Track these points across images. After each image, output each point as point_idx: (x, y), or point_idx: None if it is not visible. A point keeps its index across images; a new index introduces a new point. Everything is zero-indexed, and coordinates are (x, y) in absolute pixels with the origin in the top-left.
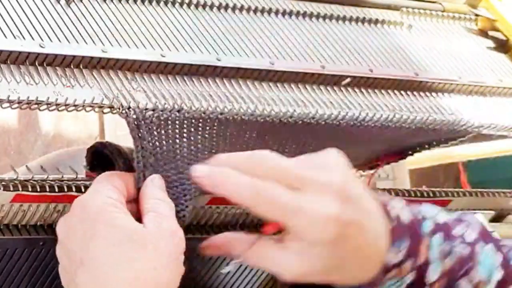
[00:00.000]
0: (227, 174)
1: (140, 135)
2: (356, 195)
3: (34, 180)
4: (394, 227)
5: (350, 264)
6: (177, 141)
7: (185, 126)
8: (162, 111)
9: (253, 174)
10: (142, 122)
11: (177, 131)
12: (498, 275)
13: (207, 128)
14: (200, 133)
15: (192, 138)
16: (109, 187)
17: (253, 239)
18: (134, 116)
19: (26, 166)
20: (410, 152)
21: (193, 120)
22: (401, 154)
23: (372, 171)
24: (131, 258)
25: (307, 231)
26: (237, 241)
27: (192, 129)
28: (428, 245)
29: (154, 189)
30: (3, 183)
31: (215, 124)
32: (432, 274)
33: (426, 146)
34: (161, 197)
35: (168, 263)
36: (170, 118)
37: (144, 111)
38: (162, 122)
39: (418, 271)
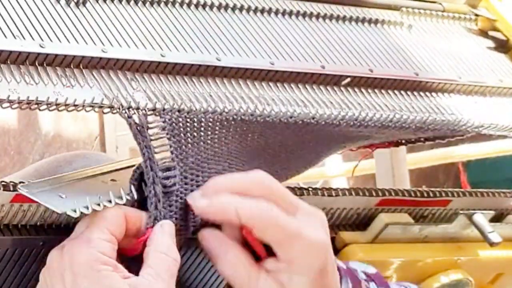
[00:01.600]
0: (227, 202)
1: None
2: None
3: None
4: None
5: None
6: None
7: (188, 128)
8: (163, 110)
9: (251, 196)
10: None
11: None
12: None
13: (210, 129)
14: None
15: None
16: (102, 236)
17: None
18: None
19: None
20: (403, 142)
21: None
22: (395, 143)
23: (363, 160)
24: None
25: (302, 257)
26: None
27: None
28: None
29: (162, 237)
30: (3, 183)
31: (216, 125)
32: None
33: (422, 139)
34: (165, 250)
35: None
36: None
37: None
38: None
39: None
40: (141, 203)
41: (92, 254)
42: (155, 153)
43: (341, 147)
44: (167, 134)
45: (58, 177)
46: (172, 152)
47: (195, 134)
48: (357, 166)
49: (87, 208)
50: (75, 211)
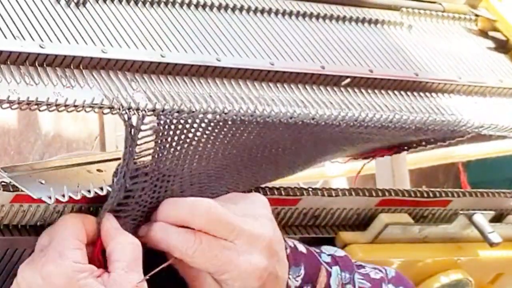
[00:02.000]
0: (165, 231)
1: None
2: (278, 249)
3: None
4: (290, 253)
5: None
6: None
7: (187, 128)
8: (162, 111)
9: (192, 225)
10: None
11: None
12: None
13: (209, 129)
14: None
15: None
16: (71, 246)
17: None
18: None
19: None
20: (406, 148)
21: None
22: (397, 149)
23: (366, 161)
24: None
25: (236, 281)
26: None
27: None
28: (329, 273)
29: (115, 230)
30: (3, 183)
31: (217, 125)
32: None
33: (423, 143)
34: (123, 239)
35: None
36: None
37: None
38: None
39: None
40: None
41: (68, 267)
42: (135, 158)
43: (341, 149)
44: (156, 137)
45: (42, 163)
46: (153, 157)
47: (195, 133)
48: (360, 168)
49: (63, 196)
50: (50, 198)
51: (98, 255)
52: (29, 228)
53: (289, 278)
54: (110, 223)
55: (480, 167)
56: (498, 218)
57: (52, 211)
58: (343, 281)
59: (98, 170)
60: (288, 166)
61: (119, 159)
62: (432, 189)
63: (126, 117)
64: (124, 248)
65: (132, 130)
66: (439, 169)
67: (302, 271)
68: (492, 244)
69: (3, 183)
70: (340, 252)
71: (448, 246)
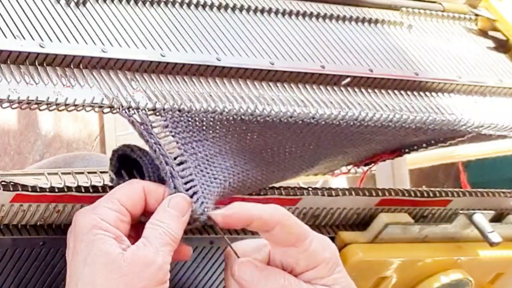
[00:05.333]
0: (244, 205)
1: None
2: None
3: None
4: None
5: None
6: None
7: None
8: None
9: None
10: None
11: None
12: None
13: (210, 128)
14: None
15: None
16: (109, 205)
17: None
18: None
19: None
20: (407, 150)
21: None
22: (398, 151)
23: (366, 168)
24: (95, 281)
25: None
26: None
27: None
28: None
29: (163, 210)
30: (3, 183)
31: (216, 124)
32: None
33: (424, 145)
34: (163, 220)
35: None
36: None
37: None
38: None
39: None
40: None
41: (93, 219)
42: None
43: (342, 151)
44: (170, 132)
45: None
46: (179, 148)
47: (197, 132)
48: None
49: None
50: None
51: None
52: (29, 228)
53: None
54: (166, 201)
55: (480, 167)
56: (498, 218)
57: (52, 211)
58: None
59: None
60: (291, 169)
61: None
62: (432, 189)
63: (127, 115)
64: (155, 228)
65: (142, 125)
66: (439, 169)
67: None
68: (492, 244)
69: (3, 183)
70: None
71: (448, 246)
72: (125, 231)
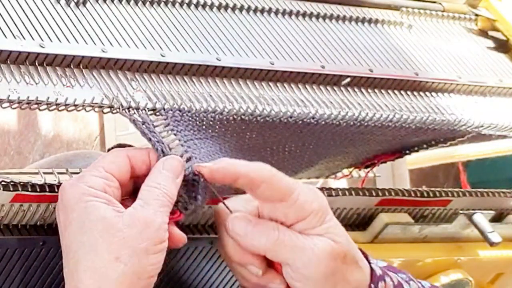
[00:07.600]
0: (233, 162)
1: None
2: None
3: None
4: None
5: None
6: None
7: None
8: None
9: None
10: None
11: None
12: None
13: (210, 127)
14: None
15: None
16: (95, 173)
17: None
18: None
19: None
20: (407, 152)
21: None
22: (398, 153)
23: (367, 169)
24: (97, 248)
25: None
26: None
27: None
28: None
29: (158, 173)
30: (3, 183)
31: (216, 123)
32: None
33: (425, 145)
34: (160, 182)
35: (135, 254)
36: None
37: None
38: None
39: None
40: None
41: (81, 188)
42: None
43: (342, 152)
44: (172, 130)
45: None
46: (183, 145)
47: (197, 131)
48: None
49: None
50: None
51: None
52: (29, 228)
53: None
54: (160, 164)
55: (480, 167)
56: (498, 218)
57: (52, 211)
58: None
59: None
60: (290, 168)
61: None
62: (432, 189)
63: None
64: (151, 190)
65: (144, 124)
66: (439, 169)
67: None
68: (492, 244)
69: (3, 183)
70: (381, 263)
71: (448, 245)
72: (115, 196)
